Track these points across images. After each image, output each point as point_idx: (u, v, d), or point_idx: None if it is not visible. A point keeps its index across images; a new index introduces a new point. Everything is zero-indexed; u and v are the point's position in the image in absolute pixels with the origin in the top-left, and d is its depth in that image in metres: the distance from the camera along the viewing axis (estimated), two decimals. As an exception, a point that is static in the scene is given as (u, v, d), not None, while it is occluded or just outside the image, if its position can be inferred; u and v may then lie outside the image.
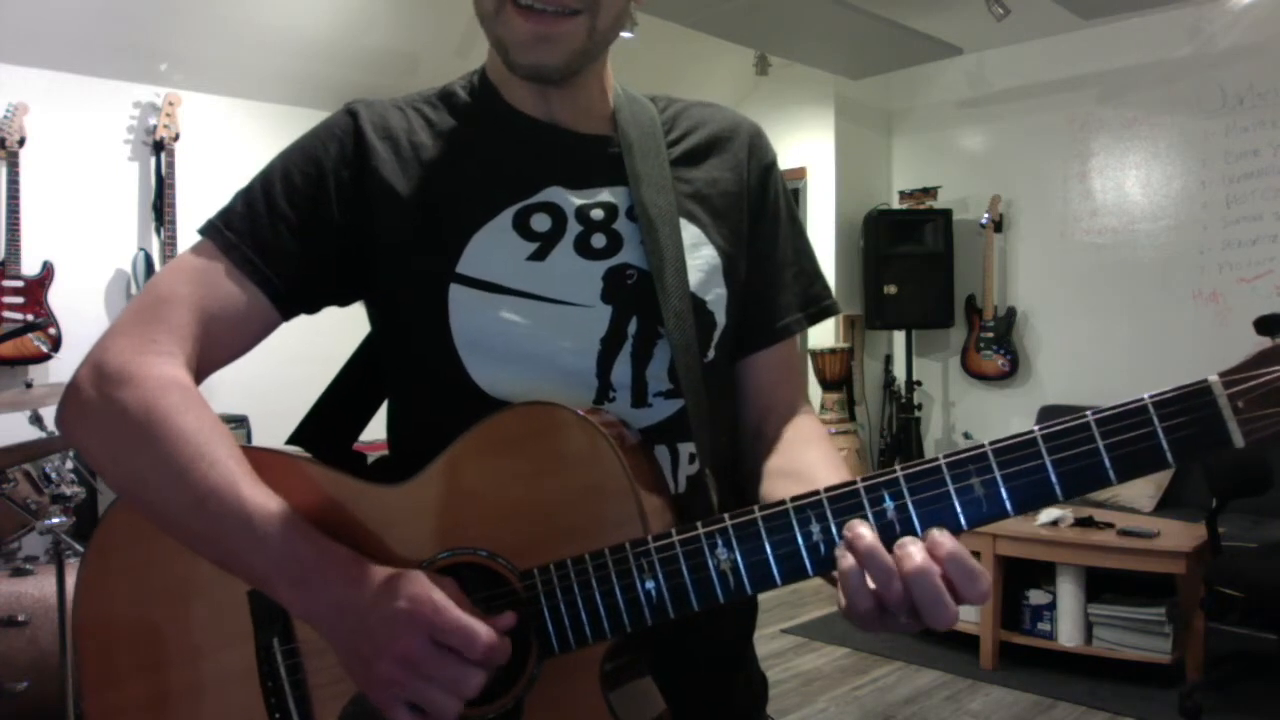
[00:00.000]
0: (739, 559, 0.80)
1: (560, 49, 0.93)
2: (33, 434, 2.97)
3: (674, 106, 1.10)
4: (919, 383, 6.23)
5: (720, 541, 0.80)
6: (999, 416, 5.85)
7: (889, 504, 0.77)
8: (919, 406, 6.20)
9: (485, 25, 0.96)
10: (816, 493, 0.79)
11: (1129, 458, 0.72)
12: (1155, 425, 0.71)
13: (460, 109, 1.04)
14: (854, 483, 0.78)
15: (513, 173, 1.00)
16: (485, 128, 1.03)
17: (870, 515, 0.77)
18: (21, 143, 4.27)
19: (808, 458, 1.01)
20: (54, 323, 4.29)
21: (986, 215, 5.89)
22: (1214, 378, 0.70)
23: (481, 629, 0.78)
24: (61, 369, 4.31)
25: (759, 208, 1.09)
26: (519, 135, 1.02)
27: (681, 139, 1.07)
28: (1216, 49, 5.18)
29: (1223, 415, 0.70)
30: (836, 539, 0.78)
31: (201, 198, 4.68)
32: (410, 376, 1.02)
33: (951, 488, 0.75)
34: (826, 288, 1.14)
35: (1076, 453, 0.73)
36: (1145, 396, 0.71)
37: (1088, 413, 0.72)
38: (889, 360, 6.51)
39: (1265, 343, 0.68)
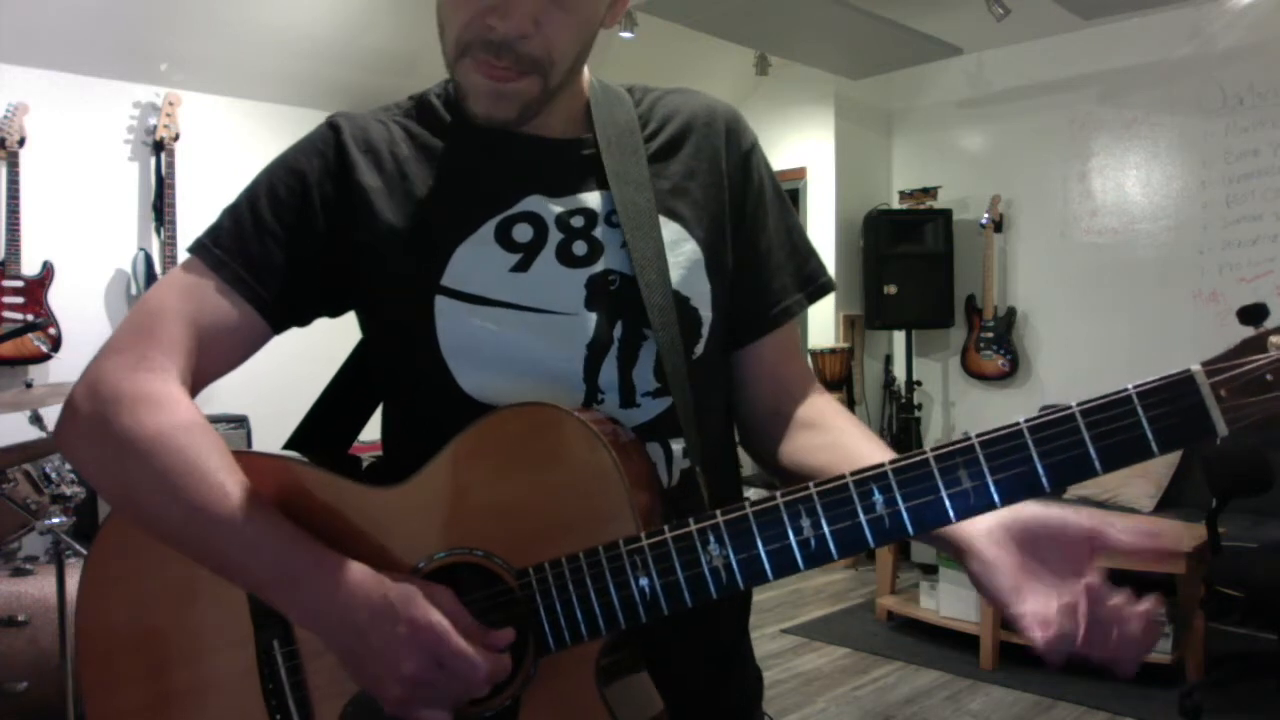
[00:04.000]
0: (731, 555, 0.81)
1: (513, 104, 0.94)
2: (33, 434, 2.97)
3: (649, 97, 1.10)
4: (919, 383, 6.23)
5: (713, 538, 0.81)
6: (999, 416, 5.72)
7: (878, 498, 0.77)
8: (919, 406, 6.20)
9: (448, 68, 0.98)
10: (806, 487, 0.80)
11: (1114, 447, 0.73)
12: (1140, 415, 0.72)
13: (437, 121, 1.05)
14: (843, 477, 0.79)
15: (492, 185, 1.01)
16: (462, 140, 1.03)
17: (860, 509, 0.78)
18: (21, 143, 4.27)
19: (851, 436, 1.02)
20: (54, 323, 4.30)
21: (986, 215, 5.89)
22: (1196, 367, 0.71)
23: (481, 660, 0.80)
24: (61, 369, 4.31)
25: (742, 194, 1.08)
26: (495, 147, 1.02)
27: (658, 132, 1.06)
28: (1216, 49, 5.18)
29: (1206, 404, 0.70)
30: (826, 533, 0.79)
31: (201, 198, 4.69)
32: (400, 382, 1.03)
33: (939, 481, 0.76)
34: (821, 264, 1.13)
35: (1062, 444, 0.74)
36: (1129, 387, 0.72)
37: (1073, 404, 0.73)
38: (889, 360, 6.51)
39: (1249, 333, 0.69)
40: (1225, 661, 4.02)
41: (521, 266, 0.98)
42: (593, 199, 1.01)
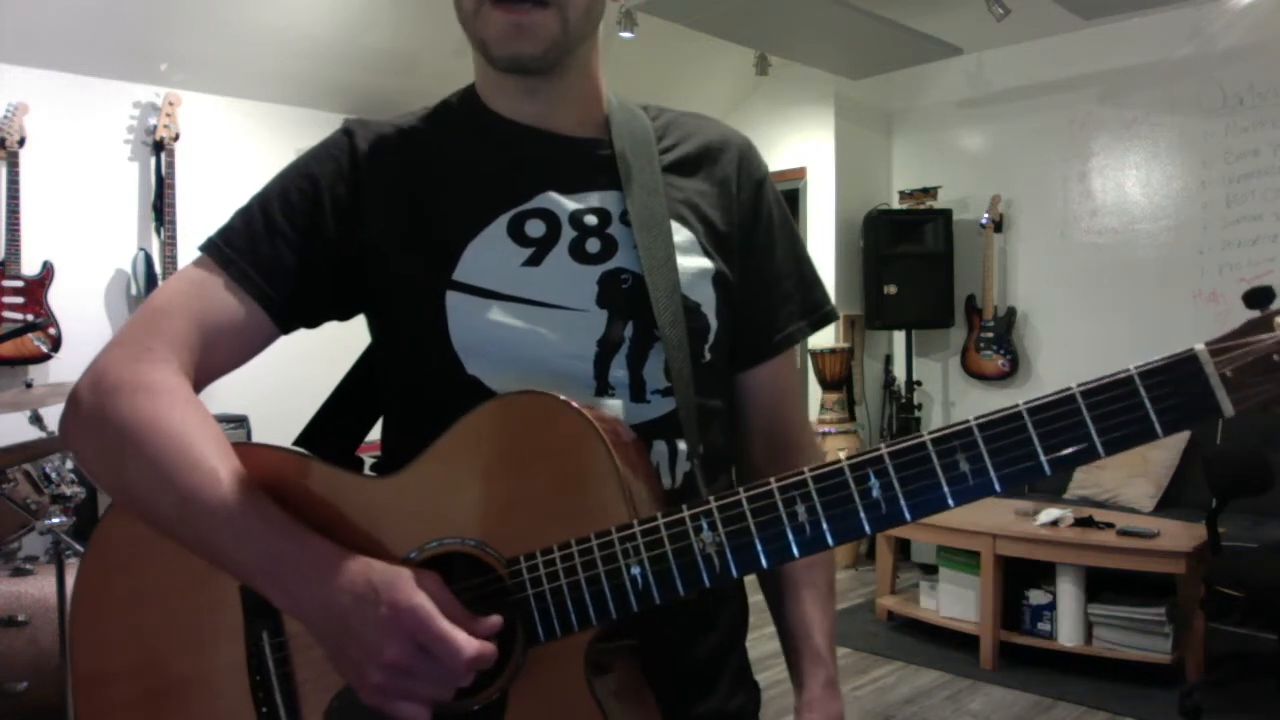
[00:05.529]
0: (724, 541, 0.80)
1: (536, 38, 0.94)
2: (33, 434, 2.97)
3: (665, 115, 1.11)
4: (919, 383, 6.23)
5: (705, 524, 0.81)
6: None
7: (874, 483, 0.77)
8: (919, 406, 6.20)
9: (467, 29, 0.98)
10: (801, 472, 0.79)
11: (1117, 429, 0.72)
12: (1142, 395, 0.71)
13: (451, 122, 1.06)
14: (838, 462, 0.78)
15: (506, 180, 1.01)
16: (476, 137, 1.04)
17: (856, 495, 0.77)
18: (21, 143, 4.26)
19: None
20: (54, 323, 4.29)
21: (986, 215, 5.89)
22: (1200, 346, 0.70)
23: (465, 643, 0.78)
24: (61, 369, 4.31)
25: (751, 224, 1.09)
26: (510, 142, 1.03)
27: (673, 147, 1.08)
28: (1216, 49, 5.18)
29: (1210, 384, 0.69)
30: (822, 519, 0.78)
31: (201, 198, 4.69)
32: (411, 381, 1.03)
33: (937, 465, 0.75)
34: (826, 294, 1.15)
35: (1063, 426, 0.73)
36: (1131, 367, 0.71)
37: (1073, 385, 0.72)
38: (889, 360, 6.51)
39: (1254, 315, 0.68)
40: (1225, 661, 4.01)
41: (534, 261, 0.98)
42: (607, 198, 1.02)
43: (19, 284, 4.26)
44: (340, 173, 1.00)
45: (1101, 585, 4.08)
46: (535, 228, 0.99)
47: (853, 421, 6.04)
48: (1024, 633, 4.17)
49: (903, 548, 5.24)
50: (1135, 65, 5.45)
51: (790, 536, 0.79)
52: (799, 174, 6.34)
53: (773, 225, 1.11)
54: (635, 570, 0.81)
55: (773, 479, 0.80)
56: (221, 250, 0.98)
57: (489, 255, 0.98)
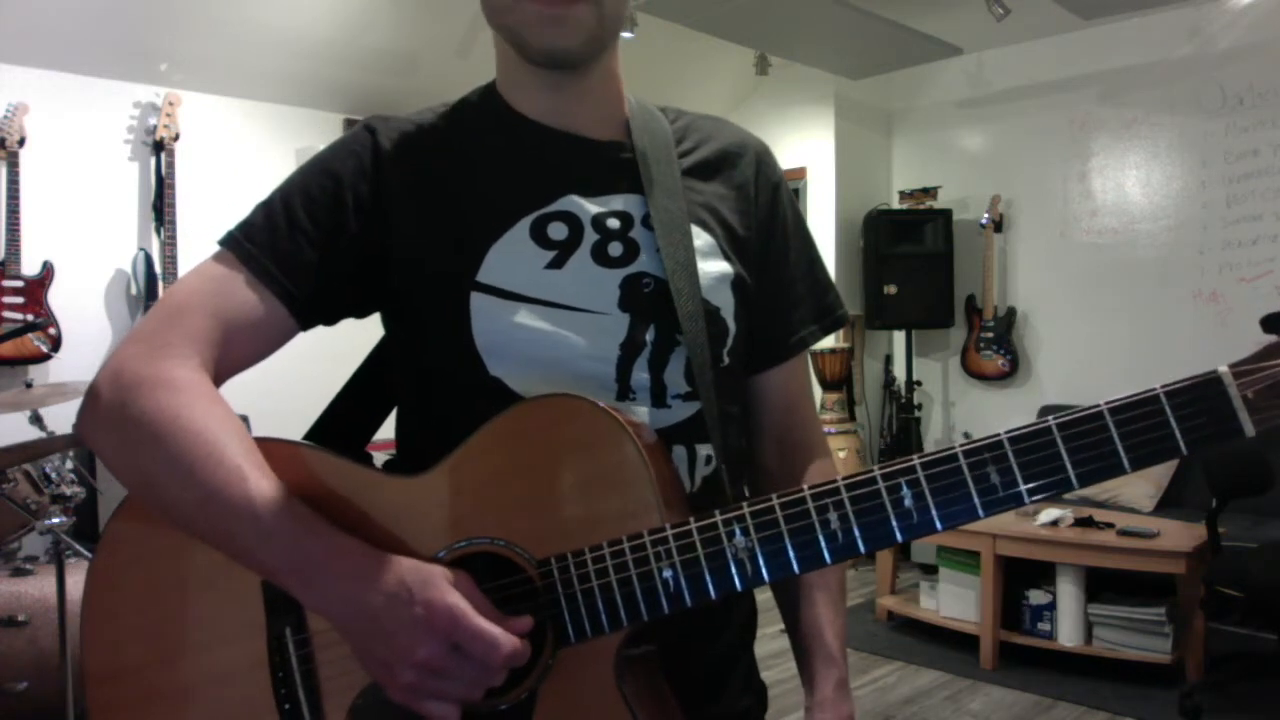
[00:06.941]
0: (756, 547, 0.81)
1: (573, 30, 0.94)
2: (33, 434, 2.96)
3: (684, 118, 1.12)
4: (919, 383, 6.24)
5: (738, 529, 0.81)
6: (999, 416, 5.84)
7: (906, 493, 0.78)
8: (919, 406, 6.20)
9: (497, 20, 0.97)
10: (834, 481, 0.80)
11: (1143, 446, 0.73)
12: (1168, 415, 0.73)
13: (474, 122, 1.05)
14: (871, 471, 0.79)
15: (528, 182, 1.01)
16: (499, 138, 1.04)
17: (888, 504, 0.78)
18: (21, 143, 4.26)
19: None
20: (54, 323, 4.29)
21: (986, 215, 5.90)
22: (1224, 369, 0.72)
23: (502, 638, 0.78)
24: (61, 369, 4.30)
25: (768, 228, 1.10)
26: (533, 144, 1.03)
27: (692, 150, 1.08)
28: (1216, 49, 5.19)
29: (1233, 405, 0.71)
30: (854, 527, 0.79)
31: (201, 198, 4.68)
32: (430, 381, 1.03)
33: (968, 477, 0.77)
34: (838, 297, 1.16)
35: (1091, 442, 0.74)
36: (1157, 387, 0.73)
37: (1101, 403, 0.73)
38: (889, 360, 6.51)
39: (1272, 339, 0.71)
40: (1225, 661, 4.02)
41: (556, 264, 0.98)
42: (628, 201, 1.02)
43: (19, 284, 4.26)
44: (362, 170, 1.00)
45: (1101, 585, 4.09)
46: (558, 230, 0.99)
47: (853, 421, 6.05)
48: (1024, 633, 4.18)
49: (903, 548, 5.24)
50: (1135, 65, 5.46)
51: (823, 543, 0.80)
52: (799, 174, 6.35)
53: (787, 229, 1.12)
54: (667, 573, 0.82)
55: (805, 486, 0.81)
56: (242, 245, 0.97)
57: (512, 257, 0.98)
